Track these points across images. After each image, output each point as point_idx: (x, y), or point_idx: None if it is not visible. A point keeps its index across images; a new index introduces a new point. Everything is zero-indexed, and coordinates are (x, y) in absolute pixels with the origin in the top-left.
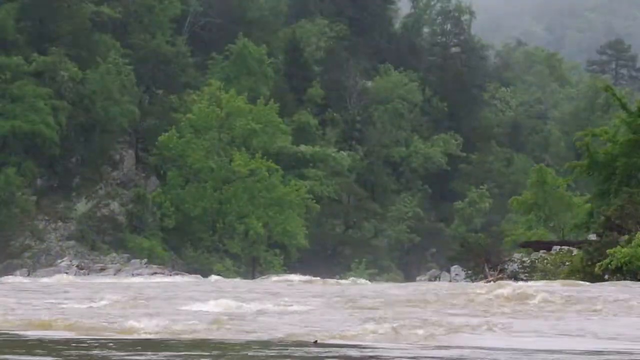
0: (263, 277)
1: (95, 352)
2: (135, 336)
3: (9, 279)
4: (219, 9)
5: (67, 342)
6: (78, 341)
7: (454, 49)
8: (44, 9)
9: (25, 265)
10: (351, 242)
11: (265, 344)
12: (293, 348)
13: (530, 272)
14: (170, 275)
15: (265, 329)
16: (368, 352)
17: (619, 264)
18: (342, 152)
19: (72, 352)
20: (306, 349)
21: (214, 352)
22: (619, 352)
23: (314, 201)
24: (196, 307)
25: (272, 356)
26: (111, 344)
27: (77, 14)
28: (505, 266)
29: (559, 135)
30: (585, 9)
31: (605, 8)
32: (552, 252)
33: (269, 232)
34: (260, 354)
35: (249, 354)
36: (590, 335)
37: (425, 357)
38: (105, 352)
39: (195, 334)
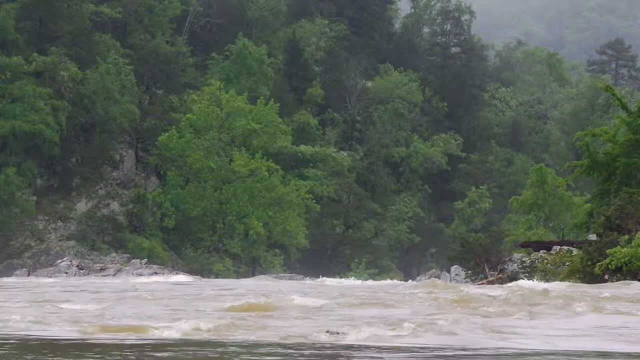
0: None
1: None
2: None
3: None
4: (219, 9)
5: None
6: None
7: (454, 49)
8: (44, 9)
9: (25, 265)
10: (351, 242)
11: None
12: (292, 348)
13: (530, 272)
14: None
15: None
16: (386, 352)
17: (619, 264)
18: (342, 152)
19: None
20: (305, 349)
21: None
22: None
23: (314, 201)
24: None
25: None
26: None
27: (77, 14)
28: (505, 266)
29: (559, 135)
30: (585, 9)
31: (605, 8)
32: (552, 252)
33: (269, 232)
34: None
35: (244, 354)
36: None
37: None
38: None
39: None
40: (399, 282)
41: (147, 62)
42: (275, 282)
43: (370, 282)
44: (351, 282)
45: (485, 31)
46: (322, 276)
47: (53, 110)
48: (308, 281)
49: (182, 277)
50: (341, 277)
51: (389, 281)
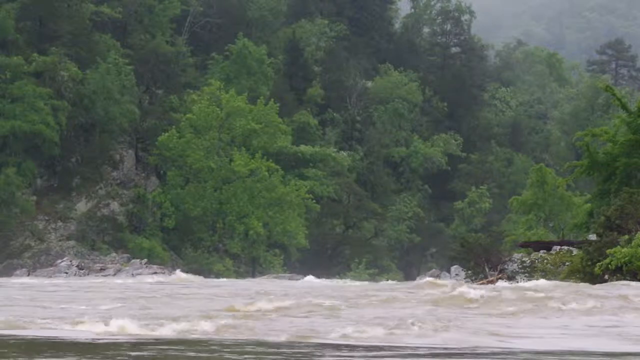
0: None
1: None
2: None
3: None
4: (219, 9)
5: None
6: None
7: (454, 49)
8: (44, 9)
9: (25, 265)
10: (351, 242)
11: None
12: (293, 348)
13: (530, 272)
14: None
15: (264, 328)
16: (397, 351)
17: (619, 264)
18: (342, 152)
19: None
20: (306, 349)
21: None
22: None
23: (314, 201)
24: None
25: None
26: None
27: (77, 14)
28: (505, 266)
29: (559, 135)
30: (585, 9)
31: (605, 8)
32: (552, 252)
33: (269, 232)
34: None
35: (247, 354)
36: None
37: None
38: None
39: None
40: (396, 282)
41: (147, 62)
42: (279, 282)
43: (366, 283)
44: (352, 282)
45: (485, 31)
46: (323, 277)
47: (53, 110)
48: (307, 280)
49: (192, 277)
50: (340, 278)
51: (390, 281)
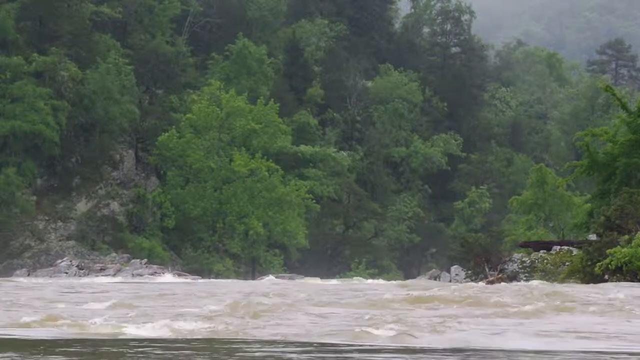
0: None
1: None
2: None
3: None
4: (219, 9)
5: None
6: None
7: (454, 49)
8: (44, 9)
9: (25, 265)
10: (351, 242)
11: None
12: (293, 347)
13: (530, 272)
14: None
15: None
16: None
17: (619, 264)
18: (342, 152)
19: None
20: (307, 349)
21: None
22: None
23: (314, 201)
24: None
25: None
26: (119, 343)
27: (77, 14)
28: (505, 266)
29: (559, 135)
30: (585, 9)
31: (605, 8)
32: (552, 252)
33: (269, 232)
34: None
35: (252, 353)
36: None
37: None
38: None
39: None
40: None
41: (147, 62)
42: (284, 283)
43: (357, 281)
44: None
45: (485, 31)
46: (323, 277)
47: (53, 110)
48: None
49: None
50: (340, 278)
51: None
